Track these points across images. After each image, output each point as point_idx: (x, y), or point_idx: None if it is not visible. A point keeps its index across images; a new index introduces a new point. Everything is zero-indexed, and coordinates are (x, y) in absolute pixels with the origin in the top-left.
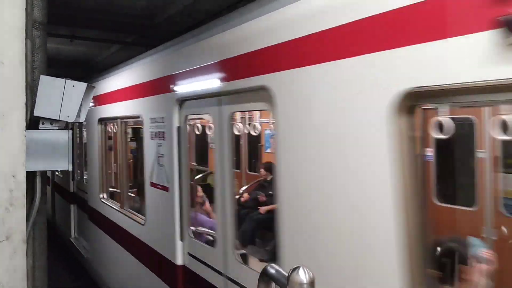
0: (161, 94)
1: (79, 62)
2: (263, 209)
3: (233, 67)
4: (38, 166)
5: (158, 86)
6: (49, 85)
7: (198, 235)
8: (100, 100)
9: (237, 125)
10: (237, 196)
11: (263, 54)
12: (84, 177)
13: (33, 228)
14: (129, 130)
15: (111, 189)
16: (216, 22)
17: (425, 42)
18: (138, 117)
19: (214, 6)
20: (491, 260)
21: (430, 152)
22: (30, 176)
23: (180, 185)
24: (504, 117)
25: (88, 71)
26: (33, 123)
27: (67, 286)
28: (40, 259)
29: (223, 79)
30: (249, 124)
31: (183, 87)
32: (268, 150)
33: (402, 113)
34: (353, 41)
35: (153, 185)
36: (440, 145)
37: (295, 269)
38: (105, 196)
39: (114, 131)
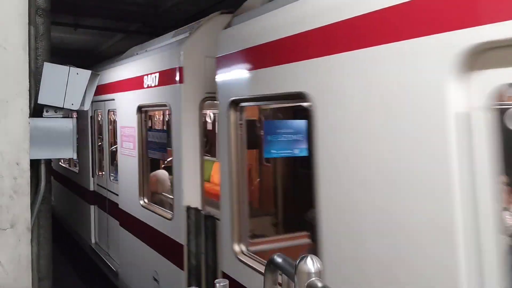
0: None
1: (82, 51)
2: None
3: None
4: (42, 154)
5: None
6: (53, 72)
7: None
8: None
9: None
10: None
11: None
12: None
13: (37, 216)
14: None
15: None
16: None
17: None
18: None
19: None
20: None
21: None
22: (35, 164)
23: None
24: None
25: (91, 60)
26: (37, 111)
27: (55, 255)
28: (44, 248)
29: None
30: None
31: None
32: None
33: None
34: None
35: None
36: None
37: (303, 258)
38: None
39: None
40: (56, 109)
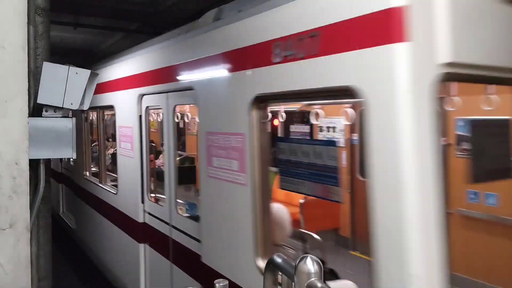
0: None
1: (82, 50)
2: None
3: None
4: (42, 154)
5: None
6: (52, 72)
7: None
8: None
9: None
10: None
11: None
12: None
13: (37, 216)
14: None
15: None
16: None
17: None
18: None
19: None
20: None
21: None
22: (34, 164)
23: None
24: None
25: (91, 59)
26: (36, 111)
27: (55, 255)
28: (44, 248)
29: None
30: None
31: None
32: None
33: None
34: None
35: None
36: None
37: (303, 258)
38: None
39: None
40: (55, 108)
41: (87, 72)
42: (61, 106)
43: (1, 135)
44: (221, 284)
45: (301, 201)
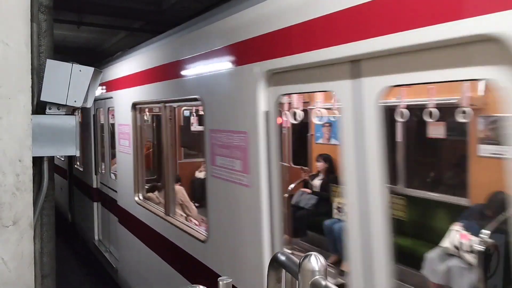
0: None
1: (85, 49)
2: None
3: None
4: (45, 151)
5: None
6: (55, 69)
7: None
8: None
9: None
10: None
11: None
12: None
13: (40, 213)
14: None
15: None
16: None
17: None
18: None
19: None
20: None
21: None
22: (38, 161)
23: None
24: None
25: (94, 58)
26: (40, 108)
27: (59, 252)
28: (47, 245)
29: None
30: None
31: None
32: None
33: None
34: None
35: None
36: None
37: (307, 256)
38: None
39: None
40: (58, 106)
41: (91, 69)
42: (64, 103)
43: (5, 132)
44: (224, 281)
45: None
